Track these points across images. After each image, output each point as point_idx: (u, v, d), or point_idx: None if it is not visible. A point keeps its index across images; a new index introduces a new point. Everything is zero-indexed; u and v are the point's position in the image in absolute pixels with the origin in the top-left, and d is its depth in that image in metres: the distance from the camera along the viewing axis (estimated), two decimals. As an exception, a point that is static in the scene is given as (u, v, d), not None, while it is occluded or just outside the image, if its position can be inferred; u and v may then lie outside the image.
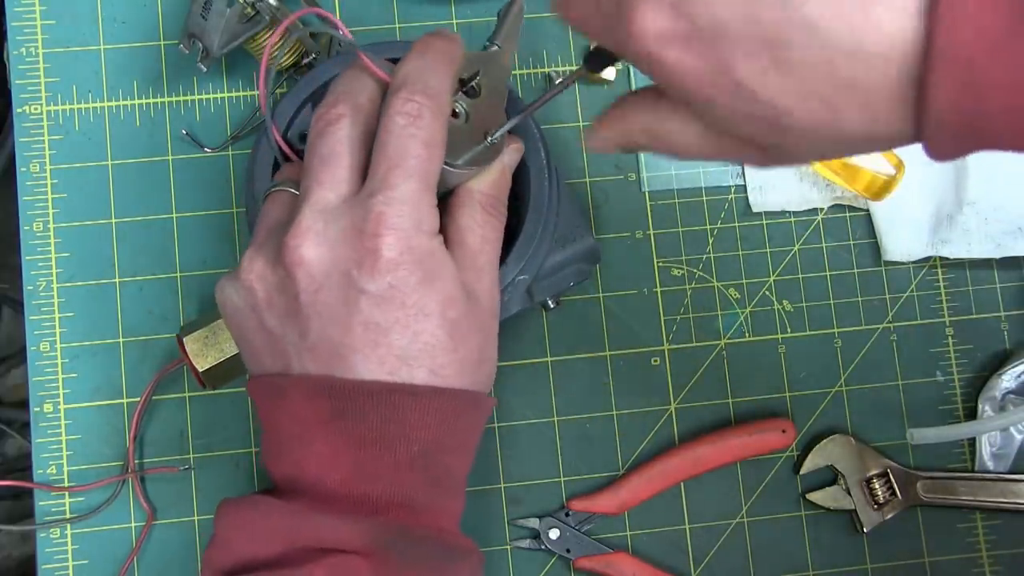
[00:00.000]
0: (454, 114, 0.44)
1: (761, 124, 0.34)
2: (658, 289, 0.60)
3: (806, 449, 0.58)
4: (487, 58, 0.46)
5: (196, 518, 0.56)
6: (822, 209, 0.61)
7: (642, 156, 0.60)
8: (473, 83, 0.45)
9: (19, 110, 0.59)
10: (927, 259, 0.60)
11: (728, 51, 0.32)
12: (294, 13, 0.48)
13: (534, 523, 0.57)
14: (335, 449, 0.41)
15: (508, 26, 0.48)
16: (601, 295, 0.59)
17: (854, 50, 0.30)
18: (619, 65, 0.60)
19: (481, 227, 0.44)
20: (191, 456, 0.57)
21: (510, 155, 0.47)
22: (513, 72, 0.61)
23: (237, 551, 0.41)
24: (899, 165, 0.57)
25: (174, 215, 0.58)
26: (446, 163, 0.43)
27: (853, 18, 0.30)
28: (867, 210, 0.61)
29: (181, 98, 0.59)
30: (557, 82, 0.44)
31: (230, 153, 0.59)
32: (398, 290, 0.40)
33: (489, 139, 0.44)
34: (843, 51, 0.31)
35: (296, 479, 0.41)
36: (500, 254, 0.46)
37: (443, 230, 0.43)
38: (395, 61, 0.49)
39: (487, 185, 0.45)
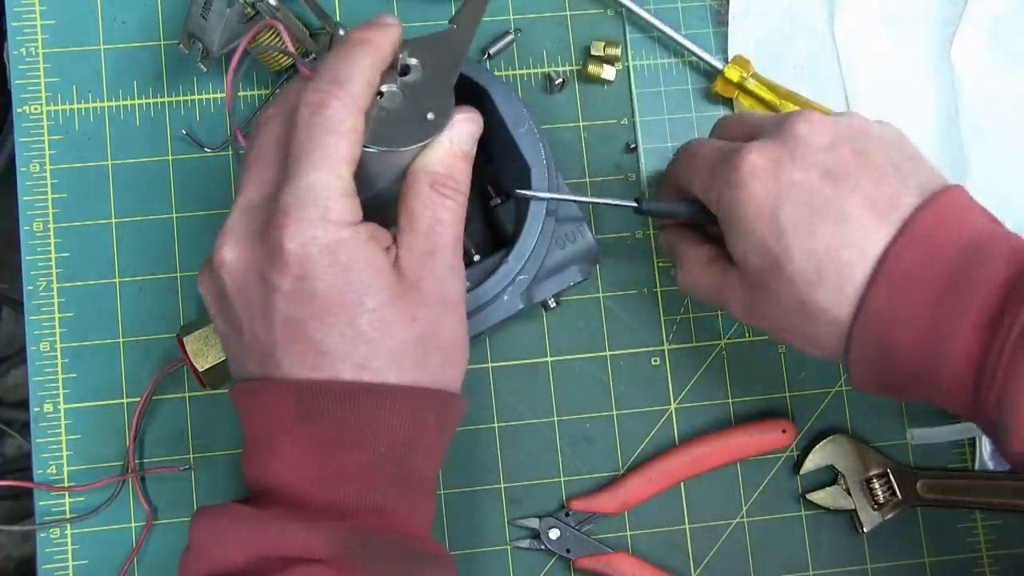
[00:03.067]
0: (380, 95, 0.43)
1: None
2: (658, 289, 0.60)
3: (806, 449, 0.58)
4: (437, 39, 0.45)
5: (196, 518, 0.56)
6: (822, 209, 0.61)
7: (642, 156, 0.60)
8: (409, 63, 0.44)
9: (19, 110, 0.59)
10: (927, 259, 0.60)
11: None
12: (260, 23, 0.48)
13: (534, 523, 0.57)
14: (302, 453, 0.41)
15: (470, 7, 0.47)
16: (601, 295, 0.59)
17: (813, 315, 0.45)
18: (619, 65, 0.60)
19: (431, 209, 0.42)
20: (191, 456, 0.57)
21: (459, 128, 0.44)
22: (513, 72, 0.61)
23: (208, 560, 0.41)
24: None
25: (174, 215, 0.58)
26: (376, 147, 0.42)
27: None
28: (867, 210, 0.61)
29: (181, 98, 0.59)
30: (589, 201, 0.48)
31: (230, 153, 0.59)
32: (307, 282, 0.40)
33: (429, 116, 0.43)
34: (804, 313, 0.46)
35: (267, 485, 0.42)
36: (461, 234, 0.44)
37: (397, 218, 0.43)
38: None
39: (434, 163, 0.43)
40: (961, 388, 0.42)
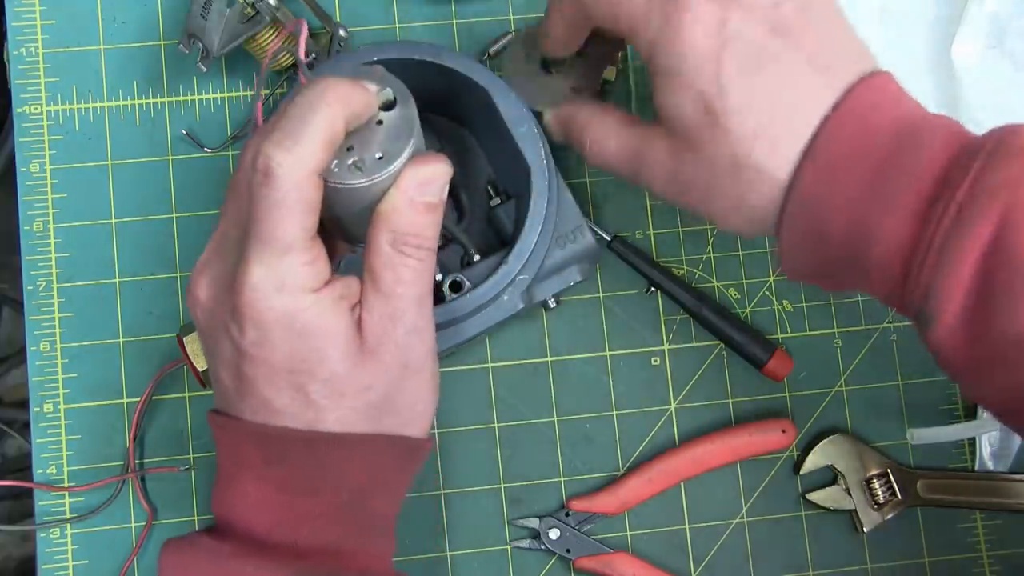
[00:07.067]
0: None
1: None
2: (658, 289, 0.59)
3: (806, 449, 0.58)
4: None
5: (196, 518, 0.56)
6: (822, 209, 0.61)
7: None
8: (390, 98, 0.41)
9: (19, 110, 0.59)
10: (927, 259, 0.60)
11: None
12: (294, 21, 0.47)
13: (534, 523, 0.57)
14: (263, 494, 0.41)
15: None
16: (601, 295, 0.59)
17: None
18: (619, 65, 0.60)
19: (392, 270, 0.40)
20: (191, 456, 0.57)
21: (417, 177, 0.40)
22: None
23: None
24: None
25: (174, 215, 0.58)
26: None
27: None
28: (867, 210, 0.61)
29: (181, 98, 0.59)
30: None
31: (230, 153, 0.59)
32: (262, 347, 0.39)
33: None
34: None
35: (228, 520, 0.42)
36: (429, 291, 0.42)
37: (363, 270, 0.41)
38: (396, 61, 0.49)
39: (395, 221, 0.40)
40: (890, 276, 0.41)
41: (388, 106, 0.41)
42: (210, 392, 0.56)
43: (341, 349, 0.40)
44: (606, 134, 0.47)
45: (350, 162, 0.40)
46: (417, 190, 0.40)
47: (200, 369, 0.52)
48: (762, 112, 0.41)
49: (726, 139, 0.42)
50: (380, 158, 0.40)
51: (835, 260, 0.42)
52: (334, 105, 0.38)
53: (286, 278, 0.38)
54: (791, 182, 0.41)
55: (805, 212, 0.41)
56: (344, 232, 0.44)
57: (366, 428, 0.41)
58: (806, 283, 0.45)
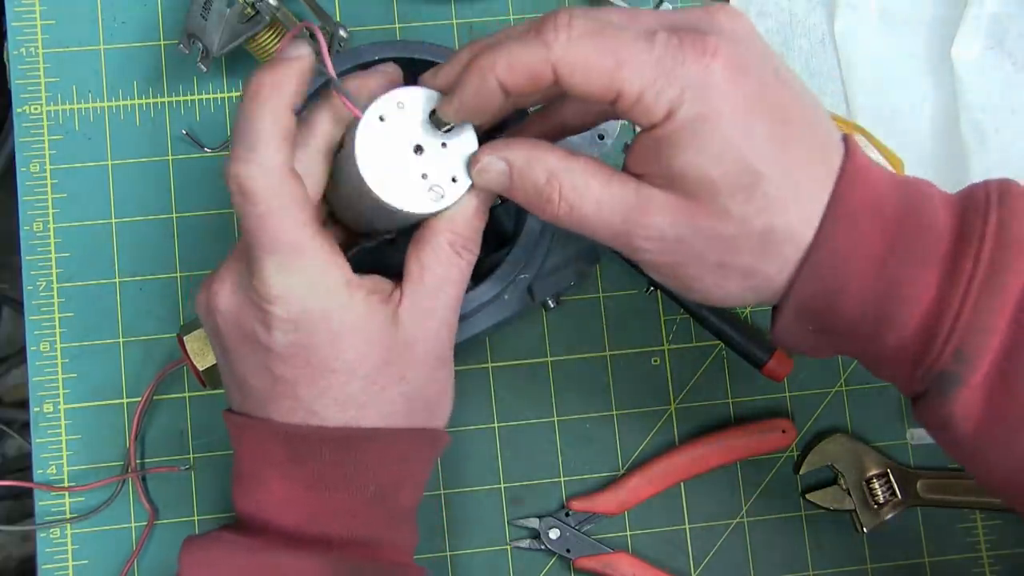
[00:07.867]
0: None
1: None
2: (658, 289, 0.59)
3: (806, 449, 0.58)
4: None
5: (196, 518, 0.56)
6: (822, 209, 0.61)
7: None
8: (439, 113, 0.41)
9: (19, 110, 0.59)
10: (927, 259, 0.60)
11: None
12: (299, 25, 0.47)
13: (534, 523, 0.57)
14: (291, 491, 0.41)
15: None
16: (601, 295, 0.59)
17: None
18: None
19: (444, 267, 0.41)
20: (191, 456, 0.57)
21: (480, 190, 0.41)
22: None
23: None
24: (898, 163, 0.58)
25: (174, 215, 0.58)
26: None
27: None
28: (867, 210, 0.61)
29: (181, 98, 0.59)
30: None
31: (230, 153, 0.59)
32: (300, 348, 0.39)
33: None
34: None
35: (256, 517, 0.42)
36: (464, 292, 0.43)
37: (406, 262, 0.41)
38: (396, 61, 0.49)
39: (459, 224, 0.41)
40: (907, 336, 0.39)
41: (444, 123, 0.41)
42: (211, 392, 0.56)
43: (377, 344, 0.40)
44: (585, 189, 0.39)
45: (429, 189, 0.40)
46: (486, 202, 0.42)
47: (200, 369, 0.52)
48: (791, 170, 0.38)
49: (764, 202, 0.37)
50: (455, 180, 0.41)
51: (846, 322, 0.39)
52: (269, 99, 0.38)
53: (312, 279, 0.39)
54: (812, 242, 0.38)
55: (824, 272, 0.38)
56: (381, 232, 0.44)
57: (402, 422, 0.42)
58: (795, 351, 0.42)
